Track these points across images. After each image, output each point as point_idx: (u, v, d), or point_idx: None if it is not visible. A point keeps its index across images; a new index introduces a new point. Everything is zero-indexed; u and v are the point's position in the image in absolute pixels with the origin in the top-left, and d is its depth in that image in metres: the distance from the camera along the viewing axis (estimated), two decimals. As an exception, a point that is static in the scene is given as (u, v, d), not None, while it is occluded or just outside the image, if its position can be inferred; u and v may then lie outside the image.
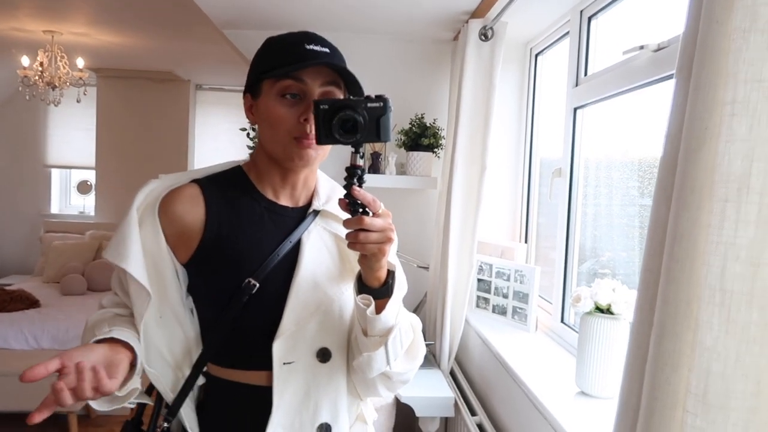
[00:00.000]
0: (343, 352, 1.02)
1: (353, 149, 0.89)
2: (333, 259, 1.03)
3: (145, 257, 0.97)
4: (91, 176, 5.54)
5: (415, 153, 2.47)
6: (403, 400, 1.95)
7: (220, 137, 5.68)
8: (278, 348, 0.96)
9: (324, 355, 1.00)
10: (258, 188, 1.05)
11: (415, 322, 1.05)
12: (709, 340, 0.57)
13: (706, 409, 0.57)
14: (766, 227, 0.55)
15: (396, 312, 0.94)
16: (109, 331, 0.92)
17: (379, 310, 0.92)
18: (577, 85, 1.97)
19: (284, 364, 0.97)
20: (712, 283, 0.57)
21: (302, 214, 1.05)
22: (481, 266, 2.33)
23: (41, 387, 2.88)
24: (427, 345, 2.28)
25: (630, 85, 1.59)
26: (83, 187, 5.59)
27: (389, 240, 0.87)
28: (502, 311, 2.22)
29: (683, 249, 0.59)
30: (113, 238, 0.99)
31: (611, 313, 1.43)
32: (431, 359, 2.32)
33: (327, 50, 0.98)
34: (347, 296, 1.01)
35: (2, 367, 3.19)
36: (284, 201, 1.06)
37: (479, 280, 2.34)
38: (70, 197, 5.79)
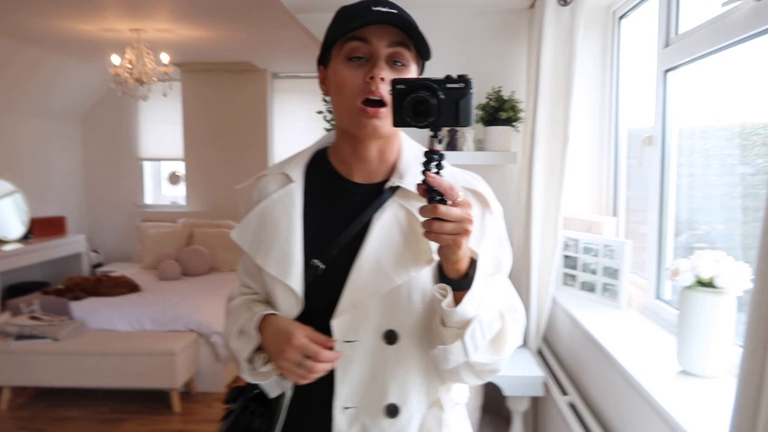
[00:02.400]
0: (414, 335, 0.98)
1: (432, 134, 0.84)
2: (404, 240, 0.97)
3: None
4: (180, 167, 5.83)
5: (493, 128, 2.40)
6: (490, 379, 1.93)
7: (297, 124, 5.80)
8: (337, 326, 0.96)
9: (390, 338, 0.97)
10: (335, 167, 1.05)
11: (508, 308, 0.98)
12: None
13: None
14: None
15: (476, 305, 0.89)
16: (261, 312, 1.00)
17: (457, 301, 0.88)
18: (667, 45, 1.83)
19: (345, 341, 0.96)
20: None
21: (377, 191, 1.01)
22: (567, 242, 2.25)
23: (139, 366, 3.09)
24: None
25: (729, 40, 1.46)
26: (173, 178, 5.90)
27: (465, 232, 0.82)
28: (591, 288, 2.14)
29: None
30: (250, 229, 1.03)
31: (714, 287, 1.33)
32: (517, 338, 2.28)
33: (394, 11, 0.94)
34: (419, 279, 0.96)
35: (109, 346, 3.45)
36: (358, 178, 1.03)
37: (566, 257, 2.26)
38: (161, 188, 6.13)
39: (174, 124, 5.70)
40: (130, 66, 4.03)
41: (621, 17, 2.36)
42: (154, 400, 3.55)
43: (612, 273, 2.05)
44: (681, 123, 1.87)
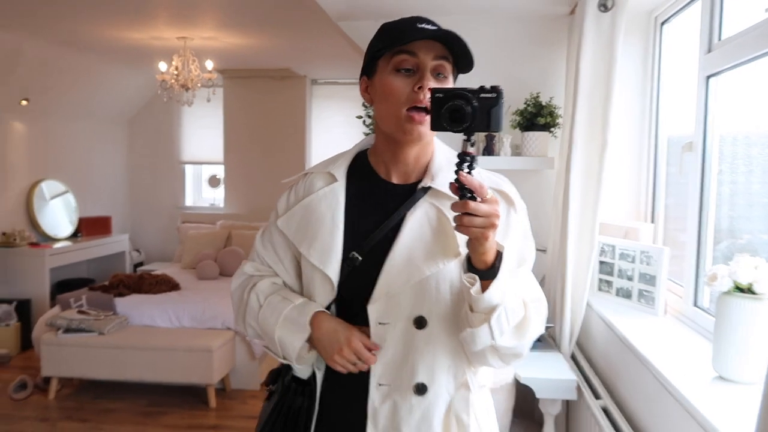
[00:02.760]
0: (443, 321, 1.06)
1: (465, 138, 0.92)
2: (434, 235, 1.05)
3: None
4: (219, 171, 5.98)
5: (531, 133, 2.42)
6: (522, 381, 1.94)
7: (334, 130, 5.89)
8: (372, 310, 1.05)
9: (420, 323, 1.05)
10: (374, 168, 1.14)
11: (531, 299, 1.05)
12: None
13: None
14: None
15: (502, 292, 0.96)
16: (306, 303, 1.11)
17: (484, 289, 0.95)
18: (710, 51, 1.83)
19: (380, 324, 1.05)
20: None
21: (411, 190, 1.10)
22: (603, 248, 2.24)
23: (178, 361, 3.19)
24: (546, 328, 2.24)
25: (773, 46, 1.45)
26: (213, 181, 6.06)
27: (492, 226, 0.90)
28: (627, 294, 2.13)
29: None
30: (295, 220, 1.14)
31: (753, 293, 1.32)
32: (551, 342, 2.28)
33: (437, 28, 1.03)
34: (447, 271, 1.04)
35: (150, 342, 3.56)
36: (395, 179, 1.12)
37: (602, 263, 2.25)
38: (202, 190, 6.30)
39: (215, 129, 5.86)
40: (176, 72, 4.18)
41: (663, 23, 2.35)
42: (191, 395, 3.64)
43: (649, 279, 2.04)
44: (722, 129, 1.86)
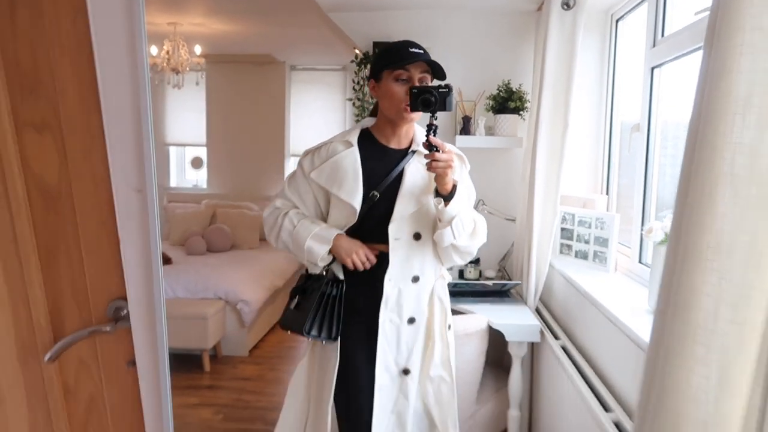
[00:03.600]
0: (429, 235, 1.66)
1: (431, 115, 1.54)
2: (423, 181, 1.64)
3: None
4: (202, 153, 6.16)
5: (502, 116, 2.73)
6: (495, 327, 2.26)
7: (314, 115, 6.11)
8: (391, 229, 1.63)
9: (417, 237, 1.66)
10: (378, 139, 1.71)
11: (479, 218, 1.70)
12: (722, 208, 0.84)
13: (719, 255, 0.84)
14: (762, 131, 0.81)
15: (457, 208, 1.57)
16: (329, 227, 1.67)
17: (446, 206, 1.55)
18: (654, 46, 2.15)
19: (395, 239, 1.63)
20: (725, 170, 0.84)
21: (405, 152, 1.68)
22: (564, 216, 2.57)
23: (176, 328, 3.46)
24: (514, 285, 2.57)
25: (700, 43, 1.78)
26: (196, 162, 6.23)
27: (449, 166, 1.51)
28: (584, 256, 2.47)
29: (707, 148, 0.85)
30: (325, 173, 1.65)
31: (680, 242, 1.66)
32: (518, 298, 2.61)
33: (422, 51, 1.59)
34: (429, 204, 1.63)
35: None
36: (394, 145, 1.70)
37: (563, 229, 2.59)
38: (185, 172, 6.47)
39: (198, 112, 6.03)
40: (168, 56, 4.36)
41: (618, 20, 2.67)
42: (186, 362, 3.89)
43: (602, 242, 2.38)
44: (667, 115, 2.19)
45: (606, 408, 1.66)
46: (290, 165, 6.12)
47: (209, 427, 3.05)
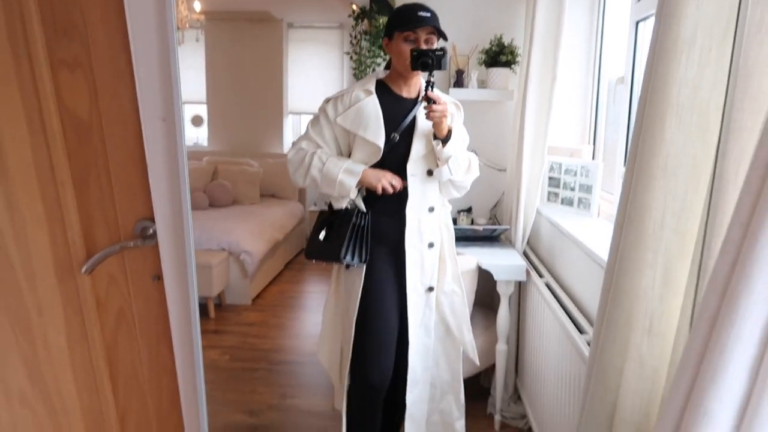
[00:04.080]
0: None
1: (428, 73, 1.79)
2: (430, 126, 1.87)
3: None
4: (202, 111, 6.24)
5: (494, 69, 2.83)
6: (484, 267, 2.42)
7: (311, 73, 6.16)
8: (410, 167, 1.90)
9: (430, 173, 1.93)
10: (392, 89, 1.94)
11: (472, 157, 1.98)
12: (669, 135, 0.98)
13: (666, 175, 0.98)
14: (703, 67, 0.94)
15: (453, 150, 1.85)
16: (355, 162, 1.88)
17: (443, 147, 1.83)
18: (638, 0, 2.25)
19: (412, 176, 1.90)
20: (672, 101, 0.97)
21: (415, 101, 1.93)
22: (552, 166, 2.71)
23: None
24: (504, 230, 2.73)
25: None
26: (197, 120, 6.31)
27: (444, 115, 1.79)
28: (570, 202, 2.61)
29: (659, 81, 0.99)
30: (350, 117, 1.87)
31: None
32: (507, 242, 2.77)
33: (429, 14, 1.80)
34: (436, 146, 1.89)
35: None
36: (405, 94, 1.95)
37: (550, 178, 2.72)
38: (186, 130, 6.55)
39: (198, 70, 6.08)
40: (167, 11, 4.41)
41: (607, -25, 2.75)
42: (191, 309, 4.08)
43: (587, 189, 2.52)
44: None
45: (581, 331, 1.83)
46: (289, 122, 6.21)
47: (217, 367, 3.25)
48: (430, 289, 1.97)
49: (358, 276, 1.92)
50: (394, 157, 1.88)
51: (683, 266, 1.00)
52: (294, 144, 1.93)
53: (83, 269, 1.21)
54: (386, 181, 1.86)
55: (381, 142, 1.83)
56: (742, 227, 0.72)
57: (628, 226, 1.06)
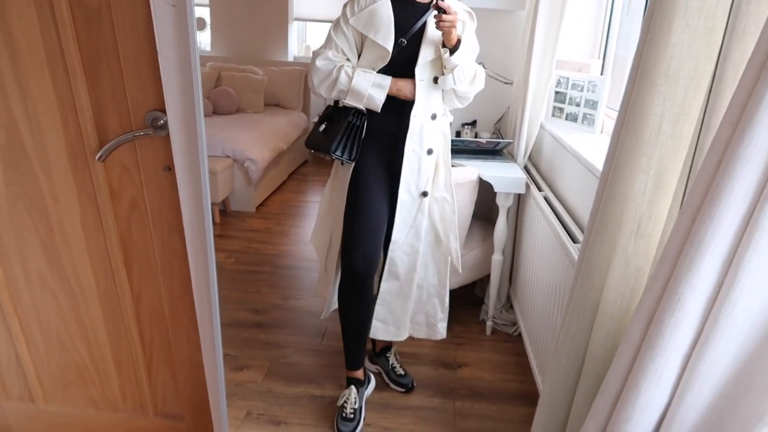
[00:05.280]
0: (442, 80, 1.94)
1: None
2: (439, 33, 1.85)
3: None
4: (206, 14, 6.06)
5: (508, -24, 2.74)
6: (484, 179, 2.47)
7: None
8: (417, 71, 1.91)
9: (435, 80, 1.95)
10: None
11: (479, 69, 1.98)
12: (674, 39, 0.99)
13: (668, 80, 1.00)
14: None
15: (460, 59, 1.85)
16: (381, 75, 1.90)
17: (450, 56, 1.84)
18: None
19: (419, 80, 1.91)
20: (681, 3, 0.97)
21: (427, 6, 1.89)
22: (559, 80, 2.69)
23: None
24: (507, 144, 2.75)
25: None
26: (200, 24, 6.14)
27: (453, 25, 1.78)
28: (574, 118, 2.61)
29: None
30: (363, 19, 1.86)
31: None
32: (509, 156, 2.80)
33: None
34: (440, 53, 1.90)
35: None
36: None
37: (557, 93, 2.71)
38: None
39: (200, -31, 5.86)
40: None
41: None
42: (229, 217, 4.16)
43: (592, 105, 2.52)
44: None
45: (575, 240, 1.90)
46: (294, 29, 6.05)
47: (223, 269, 3.37)
48: (424, 194, 2.03)
49: (350, 170, 2.00)
50: (402, 62, 1.89)
51: (675, 170, 1.04)
52: (319, 52, 1.92)
53: (97, 156, 1.25)
54: (412, 87, 1.92)
55: (390, 45, 1.84)
56: (731, 126, 0.76)
57: (625, 134, 1.09)
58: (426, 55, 1.89)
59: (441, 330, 2.25)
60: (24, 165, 1.36)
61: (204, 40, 6.22)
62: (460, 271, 2.24)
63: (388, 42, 1.84)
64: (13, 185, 1.39)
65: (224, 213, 4.31)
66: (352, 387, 2.15)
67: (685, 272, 0.84)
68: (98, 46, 1.21)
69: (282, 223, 4.21)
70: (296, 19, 5.99)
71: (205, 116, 4.47)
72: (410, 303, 2.16)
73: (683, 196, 1.03)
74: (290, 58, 6.00)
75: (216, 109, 5.07)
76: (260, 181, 4.45)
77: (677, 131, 1.02)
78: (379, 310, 2.15)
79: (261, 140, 4.48)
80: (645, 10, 2.33)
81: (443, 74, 1.91)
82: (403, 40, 1.85)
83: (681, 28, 0.98)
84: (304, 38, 6.45)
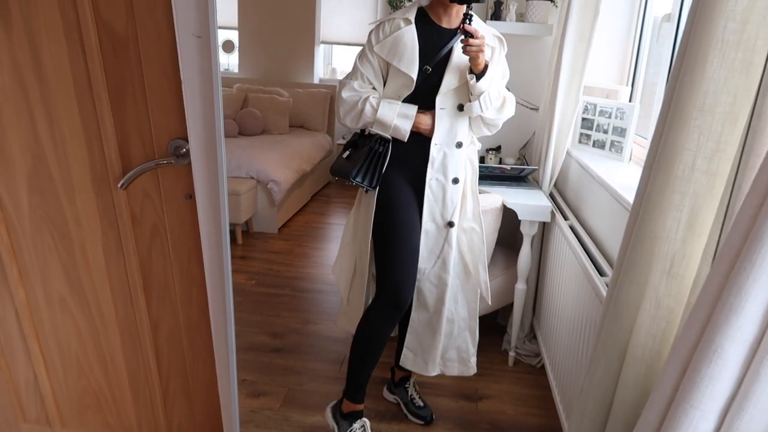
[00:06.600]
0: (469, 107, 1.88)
1: (467, 6, 1.76)
2: (465, 59, 1.81)
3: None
4: (234, 36, 6.17)
5: (534, 2, 2.73)
6: (509, 206, 2.42)
7: (344, 1, 6.01)
8: (438, 100, 1.88)
9: (461, 108, 1.91)
10: (432, 18, 1.88)
11: (509, 96, 1.95)
12: (710, 72, 0.95)
13: (703, 114, 0.96)
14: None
15: (487, 85, 1.82)
16: (406, 105, 1.88)
17: (477, 82, 1.80)
18: (694, -68, 2.12)
19: (440, 109, 1.89)
20: (717, 36, 0.94)
21: (454, 32, 1.86)
22: (586, 106, 2.65)
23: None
24: (532, 170, 2.71)
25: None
26: (228, 46, 6.26)
27: (480, 50, 1.74)
28: (601, 145, 2.57)
29: (705, 15, 0.95)
30: (387, 46, 1.85)
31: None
32: (534, 183, 2.75)
33: None
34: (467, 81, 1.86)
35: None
36: (445, 24, 1.88)
37: (584, 119, 2.67)
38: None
39: (230, -6, 5.98)
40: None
41: None
42: (219, 234, 4.19)
43: (620, 132, 2.47)
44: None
45: (602, 273, 1.84)
46: (320, 52, 6.12)
47: (243, 291, 3.37)
48: (450, 224, 1.98)
49: (373, 198, 1.96)
50: (426, 89, 1.86)
51: (710, 209, 1.00)
52: (345, 83, 1.91)
53: (119, 184, 1.25)
54: (431, 127, 1.90)
55: (414, 73, 1.81)
56: (774, 168, 0.71)
57: (657, 170, 1.05)
58: (449, 83, 1.85)
59: (473, 365, 2.19)
60: (49, 189, 1.37)
61: (232, 62, 6.32)
62: (490, 303, 2.19)
63: (413, 69, 1.81)
64: (37, 209, 1.40)
65: (246, 234, 4.32)
66: (365, 419, 2.09)
67: (723, 321, 0.79)
68: (124, 74, 1.21)
69: (304, 245, 4.21)
70: (322, 42, 6.06)
71: (231, 137, 4.54)
72: (439, 338, 2.09)
73: (719, 237, 0.98)
74: (316, 80, 6.06)
75: (242, 130, 5.12)
76: (283, 202, 4.46)
77: (713, 168, 0.98)
78: (409, 339, 2.10)
79: (285, 161, 4.50)
80: (675, 37, 2.30)
81: (470, 101, 1.87)
82: (428, 67, 1.82)
83: (718, 61, 0.94)
84: (330, 60, 6.51)
